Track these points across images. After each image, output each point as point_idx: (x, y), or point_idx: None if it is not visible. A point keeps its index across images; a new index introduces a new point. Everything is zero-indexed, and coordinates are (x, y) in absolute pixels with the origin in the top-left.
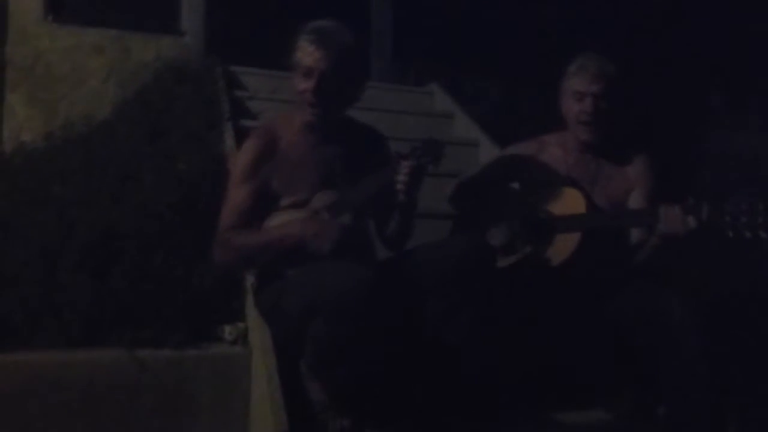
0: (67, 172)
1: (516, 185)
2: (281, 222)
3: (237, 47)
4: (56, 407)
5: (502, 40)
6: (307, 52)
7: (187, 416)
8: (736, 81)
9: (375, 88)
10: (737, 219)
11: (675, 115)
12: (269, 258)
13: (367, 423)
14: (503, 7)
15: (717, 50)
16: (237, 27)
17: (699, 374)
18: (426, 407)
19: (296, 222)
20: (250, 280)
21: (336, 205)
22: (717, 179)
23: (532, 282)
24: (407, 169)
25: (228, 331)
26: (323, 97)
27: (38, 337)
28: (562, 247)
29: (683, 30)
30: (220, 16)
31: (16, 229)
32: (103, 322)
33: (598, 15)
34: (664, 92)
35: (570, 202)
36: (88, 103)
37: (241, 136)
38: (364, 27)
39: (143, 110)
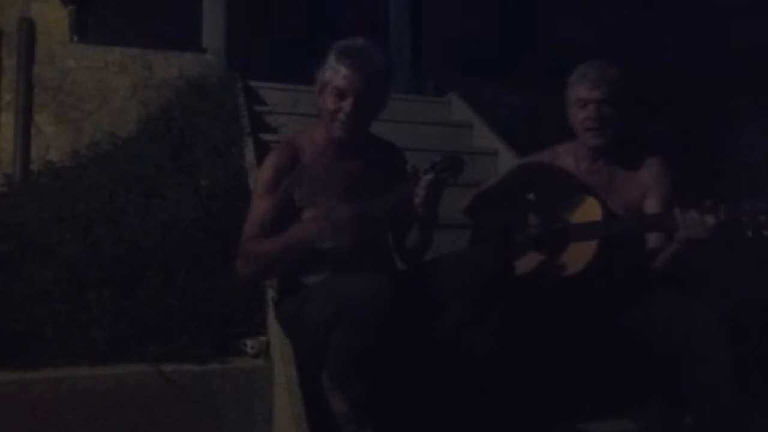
0: (92, 190)
1: (531, 196)
2: (300, 225)
3: (257, 63)
4: (83, 423)
5: (520, 49)
6: (341, 75)
7: (212, 430)
8: (764, 83)
9: (393, 99)
10: (755, 218)
11: (699, 119)
12: (290, 261)
13: None
14: (521, 16)
15: (745, 52)
16: (257, 43)
17: (728, 384)
18: (448, 418)
19: (313, 219)
20: (270, 293)
21: (357, 216)
22: (741, 183)
23: (551, 291)
24: (427, 183)
25: (250, 344)
26: (357, 117)
27: (65, 352)
28: (579, 255)
29: (707, 33)
30: (241, 33)
31: (44, 246)
32: (128, 337)
33: (618, 20)
34: (689, 95)
35: (585, 210)
36: (112, 121)
37: (261, 150)
38: (382, 38)
39: (166, 127)
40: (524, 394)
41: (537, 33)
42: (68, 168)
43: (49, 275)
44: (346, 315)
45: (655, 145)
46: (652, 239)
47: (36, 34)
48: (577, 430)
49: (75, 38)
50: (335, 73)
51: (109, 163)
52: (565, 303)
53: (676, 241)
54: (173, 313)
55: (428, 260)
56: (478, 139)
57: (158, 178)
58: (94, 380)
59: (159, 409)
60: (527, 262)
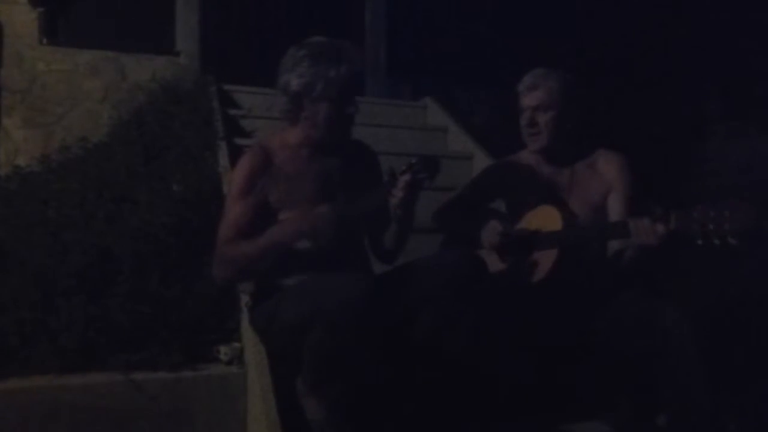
0: (62, 195)
1: (499, 203)
2: (276, 226)
3: (231, 66)
4: None
5: (496, 54)
6: (325, 77)
7: None
8: (734, 87)
9: (369, 103)
10: (705, 226)
11: (667, 123)
12: (269, 263)
13: None
14: (496, 22)
15: (715, 56)
16: (231, 46)
17: (699, 383)
18: (423, 421)
19: (291, 219)
20: (245, 299)
21: (336, 217)
22: (709, 188)
23: (519, 295)
24: (404, 184)
25: (224, 351)
26: (340, 120)
27: (33, 360)
28: (542, 263)
29: (680, 38)
30: (215, 36)
31: (12, 252)
32: (98, 345)
33: (593, 25)
34: (657, 100)
35: (546, 219)
36: (83, 125)
37: (235, 154)
38: (358, 42)
39: (138, 131)
40: (497, 395)
41: (513, 38)
42: (37, 173)
43: (17, 282)
44: (322, 314)
45: (621, 149)
46: (612, 244)
47: (3, 37)
48: (549, 430)
49: (45, 40)
50: (316, 76)
51: (80, 167)
52: (533, 307)
53: (631, 246)
54: (145, 320)
55: (404, 263)
56: (453, 142)
57: (130, 183)
58: (63, 389)
59: (131, 418)
60: (492, 268)
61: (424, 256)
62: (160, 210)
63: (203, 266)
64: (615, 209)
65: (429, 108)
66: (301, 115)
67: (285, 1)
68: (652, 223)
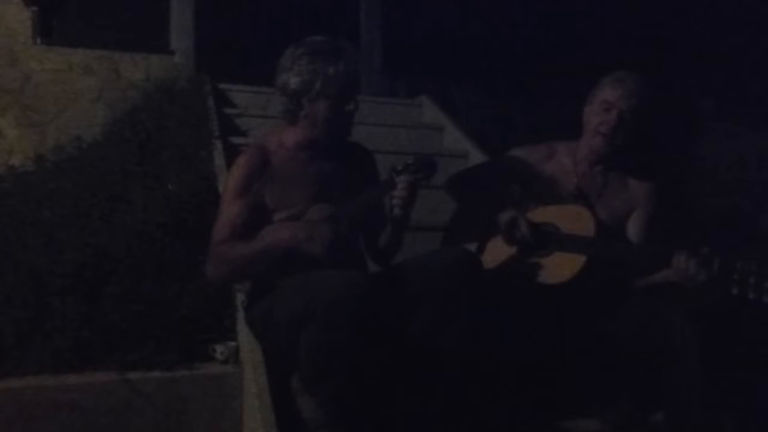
0: (56, 195)
1: (517, 187)
2: (273, 229)
3: (226, 65)
4: None
5: (492, 53)
6: (324, 75)
7: None
8: (729, 85)
9: (365, 102)
10: (746, 278)
11: (663, 121)
12: (264, 266)
13: None
14: (492, 20)
15: (709, 54)
16: (226, 45)
17: (698, 382)
18: (420, 419)
19: (288, 226)
20: (240, 298)
21: (332, 218)
22: (704, 186)
23: (526, 294)
24: (402, 183)
25: (219, 350)
26: (339, 118)
27: (28, 360)
28: (563, 265)
29: (675, 36)
30: (209, 34)
31: (6, 252)
32: (93, 344)
33: (587, 24)
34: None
35: (578, 220)
36: (78, 124)
37: (230, 153)
38: (353, 40)
39: (133, 130)
40: (495, 393)
41: (508, 36)
42: (31, 172)
43: (11, 282)
44: (315, 310)
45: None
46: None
47: None
48: (546, 428)
49: (38, 40)
50: (316, 74)
51: (74, 167)
52: (540, 306)
53: (662, 277)
54: (140, 320)
55: (400, 262)
56: (448, 141)
57: (124, 183)
58: (58, 389)
59: (126, 418)
60: (497, 253)
61: (420, 254)
62: (154, 209)
63: (198, 265)
64: (634, 230)
65: (424, 106)
66: (300, 114)
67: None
68: (696, 265)
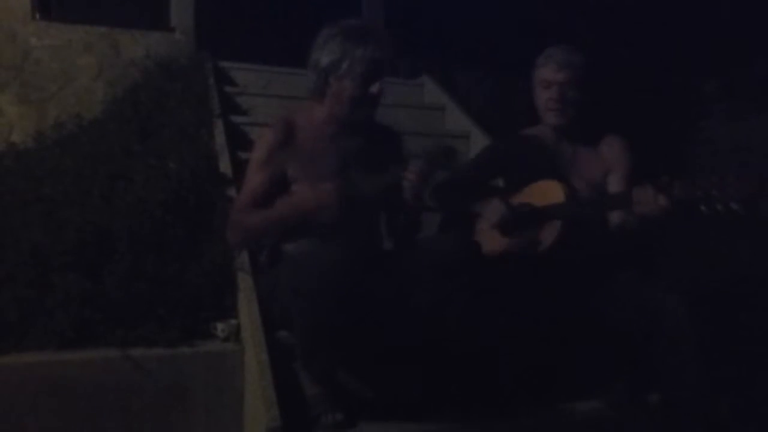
0: (57, 172)
1: (499, 182)
2: (287, 197)
3: (227, 42)
4: (49, 408)
5: (494, 32)
6: (352, 55)
7: (181, 414)
8: (732, 67)
9: None
10: (709, 192)
11: (665, 103)
12: (275, 234)
13: (360, 416)
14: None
15: (712, 35)
16: (227, 22)
17: (695, 362)
18: (419, 398)
19: (303, 192)
20: (241, 276)
21: (343, 188)
22: (706, 168)
23: (519, 272)
24: (417, 168)
25: (220, 328)
26: (363, 98)
27: (30, 337)
28: (545, 236)
29: (677, 16)
30: (210, 11)
31: (7, 230)
32: (95, 321)
33: (590, 4)
34: (656, 78)
35: (548, 193)
36: (77, 102)
37: (231, 132)
38: (354, 18)
39: (133, 108)
40: (492, 372)
41: (510, 17)
42: (32, 150)
43: (13, 259)
44: (304, 286)
45: (620, 128)
46: (614, 217)
47: None
48: (544, 409)
49: (37, 16)
50: (350, 56)
51: (75, 144)
52: (533, 282)
53: (633, 217)
54: (141, 297)
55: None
56: (450, 121)
57: (125, 161)
58: (60, 365)
59: (128, 394)
60: (493, 245)
61: (419, 238)
62: (155, 187)
63: (200, 244)
64: (614, 189)
65: (426, 86)
66: (327, 92)
67: None
68: (655, 192)
